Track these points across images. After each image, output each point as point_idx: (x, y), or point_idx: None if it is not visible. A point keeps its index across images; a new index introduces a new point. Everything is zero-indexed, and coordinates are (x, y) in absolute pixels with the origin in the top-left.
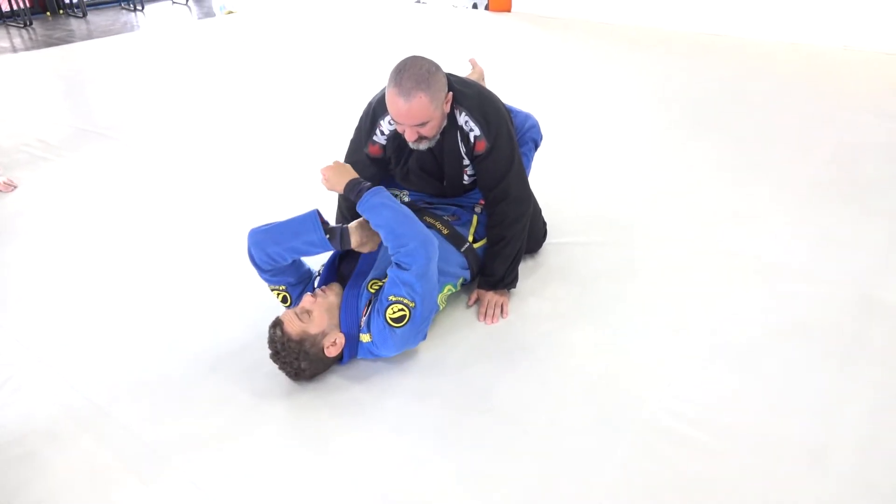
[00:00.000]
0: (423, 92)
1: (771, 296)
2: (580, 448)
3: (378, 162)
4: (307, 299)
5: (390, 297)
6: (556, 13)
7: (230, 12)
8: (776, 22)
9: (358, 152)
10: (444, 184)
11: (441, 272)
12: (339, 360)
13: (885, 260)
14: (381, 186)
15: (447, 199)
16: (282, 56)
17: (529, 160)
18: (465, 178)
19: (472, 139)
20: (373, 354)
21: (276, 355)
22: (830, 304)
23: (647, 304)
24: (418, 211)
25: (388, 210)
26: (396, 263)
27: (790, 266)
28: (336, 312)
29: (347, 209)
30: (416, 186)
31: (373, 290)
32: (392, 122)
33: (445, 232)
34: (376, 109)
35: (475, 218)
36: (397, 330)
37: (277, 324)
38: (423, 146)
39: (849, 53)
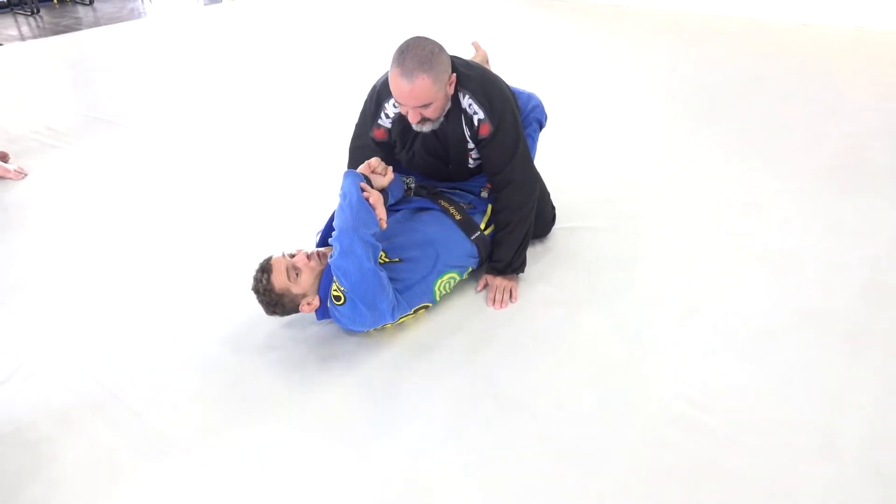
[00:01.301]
0: (426, 73)
1: (779, 283)
2: (588, 434)
3: (383, 146)
4: (302, 258)
5: (333, 276)
6: None
7: None
8: (786, 1)
9: (363, 137)
10: (450, 168)
11: (446, 264)
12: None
13: (895, 248)
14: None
15: (453, 182)
16: (289, 42)
17: (534, 141)
18: (471, 161)
19: (475, 122)
20: (341, 324)
21: (257, 293)
22: (839, 292)
23: (656, 291)
24: (435, 194)
25: (342, 210)
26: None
27: (799, 254)
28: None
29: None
30: (423, 170)
31: None
32: (396, 104)
33: (458, 217)
34: (381, 92)
35: (490, 207)
36: (339, 307)
37: (266, 269)
38: (426, 128)
39: (862, 34)
